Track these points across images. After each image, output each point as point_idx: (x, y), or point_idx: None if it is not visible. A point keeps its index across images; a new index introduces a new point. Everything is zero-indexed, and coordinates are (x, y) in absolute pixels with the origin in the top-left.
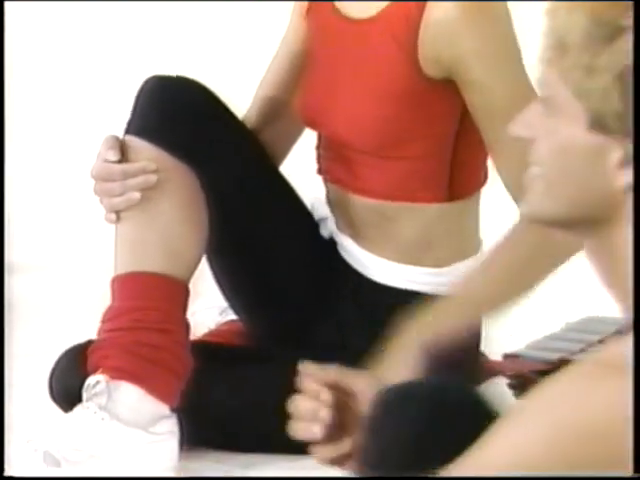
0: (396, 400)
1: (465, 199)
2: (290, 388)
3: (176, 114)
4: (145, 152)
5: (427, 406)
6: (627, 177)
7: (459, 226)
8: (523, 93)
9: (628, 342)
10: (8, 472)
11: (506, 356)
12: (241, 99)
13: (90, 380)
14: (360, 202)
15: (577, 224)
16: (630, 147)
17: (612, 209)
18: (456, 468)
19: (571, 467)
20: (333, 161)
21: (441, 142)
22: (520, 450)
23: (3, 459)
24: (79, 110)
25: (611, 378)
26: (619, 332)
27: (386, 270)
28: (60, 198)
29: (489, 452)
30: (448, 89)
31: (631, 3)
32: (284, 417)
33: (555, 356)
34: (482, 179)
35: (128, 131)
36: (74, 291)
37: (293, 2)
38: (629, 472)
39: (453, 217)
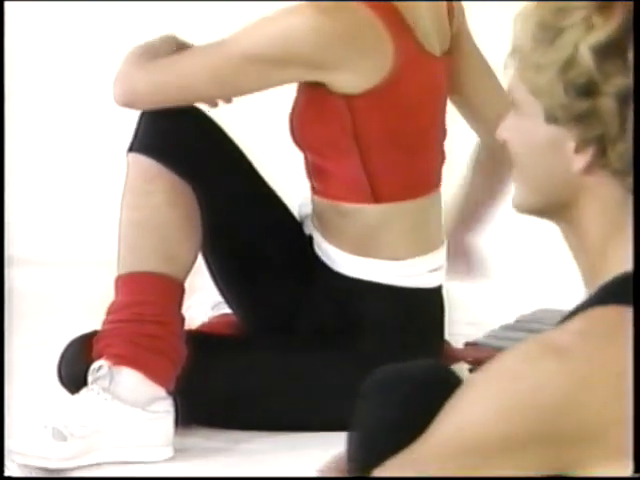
0: (383, 383)
1: (397, 202)
2: (275, 372)
3: (175, 134)
4: (146, 167)
5: (413, 387)
6: (582, 162)
7: (408, 224)
8: None
9: (568, 326)
10: (13, 467)
11: (467, 344)
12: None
13: (95, 365)
14: (320, 202)
15: (551, 211)
16: (582, 134)
17: (575, 192)
18: (417, 445)
19: (511, 436)
20: (306, 167)
21: (346, 153)
22: (468, 418)
23: (3, 459)
24: (80, 107)
25: (547, 356)
26: (562, 321)
27: (348, 262)
28: (61, 193)
29: (443, 427)
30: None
31: (630, 3)
32: (269, 397)
33: (509, 344)
34: (413, 188)
35: (131, 149)
36: (75, 285)
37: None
38: (569, 449)
39: (394, 217)
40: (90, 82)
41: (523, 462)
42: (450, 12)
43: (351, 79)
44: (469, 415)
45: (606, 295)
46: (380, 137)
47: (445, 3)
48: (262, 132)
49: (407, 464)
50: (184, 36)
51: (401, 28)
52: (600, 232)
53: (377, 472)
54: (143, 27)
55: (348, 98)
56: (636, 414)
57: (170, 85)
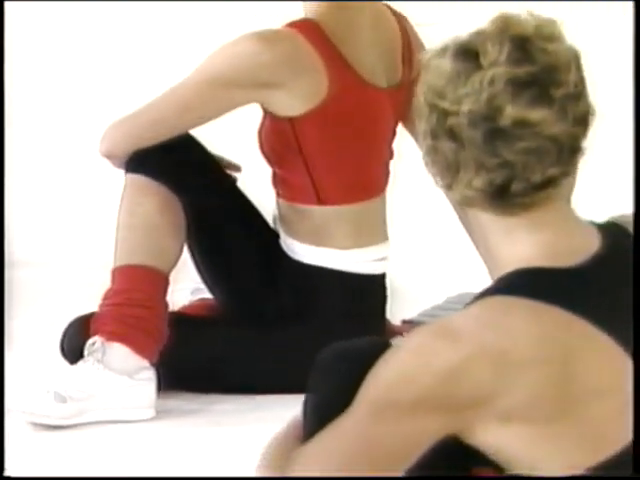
0: (334, 355)
1: (340, 205)
2: (243, 346)
3: (163, 154)
4: (140, 182)
5: (358, 359)
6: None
7: (352, 222)
8: None
9: (466, 311)
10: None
11: (404, 322)
12: None
13: (90, 341)
14: (282, 203)
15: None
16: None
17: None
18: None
19: (413, 400)
20: (272, 175)
21: (293, 165)
22: (380, 383)
23: (3, 459)
24: (78, 109)
25: (443, 336)
26: (466, 305)
27: (304, 251)
28: (59, 196)
29: (363, 390)
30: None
31: (631, 4)
32: (238, 367)
33: None
34: (354, 195)
35: (127, 170)
36: (77, 278)
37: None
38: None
39: (338, 217)
40: (86, 88)
41: (426, 423)
42: (408, 51)
43: (291, 101)
44: (381, 381)
45: (497, 287)
46: (320, 153)
47: (400, 46)
48: (241, 148)
49: (337, 427)
50: (184, 37)
51: (337, 61)
52: (494, 237)
53: (318, 436)
54: (143, 27)
55: (291, 120)
56: (636, 414)
57: (143, 125)
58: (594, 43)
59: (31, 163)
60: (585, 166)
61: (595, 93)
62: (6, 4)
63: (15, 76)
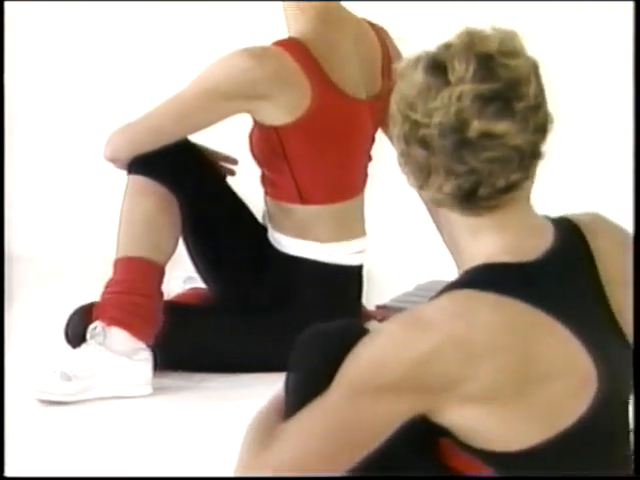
0: (313, 337)
1: (321, 205)
2: (231, 330)
3: (162, 158)
4: (140, 182)
5: (336, 340)
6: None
7: (332, 220)
8: None
9: (434, 302)
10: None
11: (378, 307)
12: None
13: (92, 326)
14: (269, 202)
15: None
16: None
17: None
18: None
19: (388, 383)
20: (260, 177)
21: (279, 168)
22: (357, 365)
23: (3, 460)
24: (78, 107)
25: (413, 326)
26: (435, 296)
27: (289, 244)
28: (65, 195)
29: (342, 370)
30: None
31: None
32: (226, 348)
33: (409, 306)
34: (334, 196)
35: (130, 172)
36: (74, 273)
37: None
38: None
39: (319, 215)
40: (86, 84)
41: (399, 404)
42: (387, 62)
43: (276, 112)
44: (359, 366)
45: (463, 281)
46: (303, 158)
47: (379, 58)
48: (235, 152)
49: (316, 407)
50: (185, 37)
51: (319, 77)
52: (461, 234)
53: (299, 415)
54: (143, 27)
55: (276, 129)
56: (636, 414)
57: (143, 133)
58: (593, 43)
59: (36, 162)
60: (585, 166)
61: (595, 92)
62: (6, 4)
63: (18, 74)
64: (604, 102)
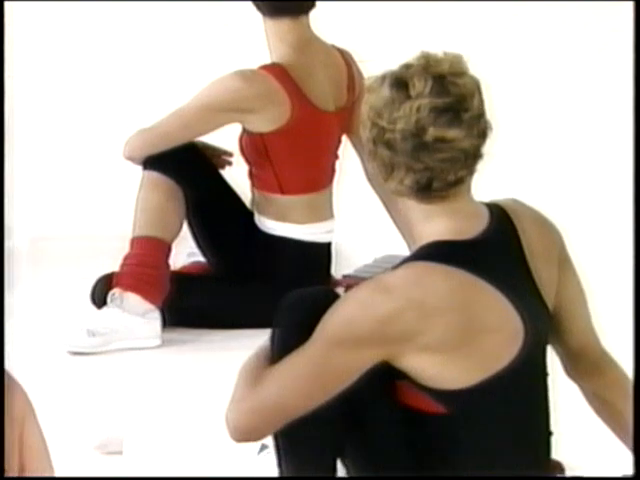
0: (293, 300)
1: (297, 195)
2: (226, 295)
3: (171, 156)
4: (153, 176)
5: (312, 303)
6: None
7: (306, 206)
8: None
9: (395, 272)
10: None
11: (344, 276)
12: None
13: (112, 292)
14: (255, 191)
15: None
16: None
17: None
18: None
19: (355, 337)
20: (248, 171)
21: (263, 166)
22: (330, 323)
23: (3, 460)
24: (78, 105)
25: (378, 290)
26: (394, 267)
27: (272, 225)
28: (81, 180)
29: (319, 326)
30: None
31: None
32: (223, 309)
33: (369, 276)
34: (308, 187)
35: (145, 167)
36: (96, 249)
37: None
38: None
39: (296, 202)
40: (86, 80)
41: (367, 354)
42: (351, 80)
43: (262, 122)
44: (333, 323)
45: (418, 254)
46: (283, 158)
47: (345, 77)
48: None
49: (297, 355)
50: (185, 38)
51: (297, 94)
52: (416, 218)
53: (283, 361)
54: (144, 27)
55: (262, 135)
56: (636, 413)
57: (155, 137)
58: (594, 43)
59: (57, 151)
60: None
61: (595, 92)
62: (6, 4)
63: (16, 70)
64: (604, 102)
